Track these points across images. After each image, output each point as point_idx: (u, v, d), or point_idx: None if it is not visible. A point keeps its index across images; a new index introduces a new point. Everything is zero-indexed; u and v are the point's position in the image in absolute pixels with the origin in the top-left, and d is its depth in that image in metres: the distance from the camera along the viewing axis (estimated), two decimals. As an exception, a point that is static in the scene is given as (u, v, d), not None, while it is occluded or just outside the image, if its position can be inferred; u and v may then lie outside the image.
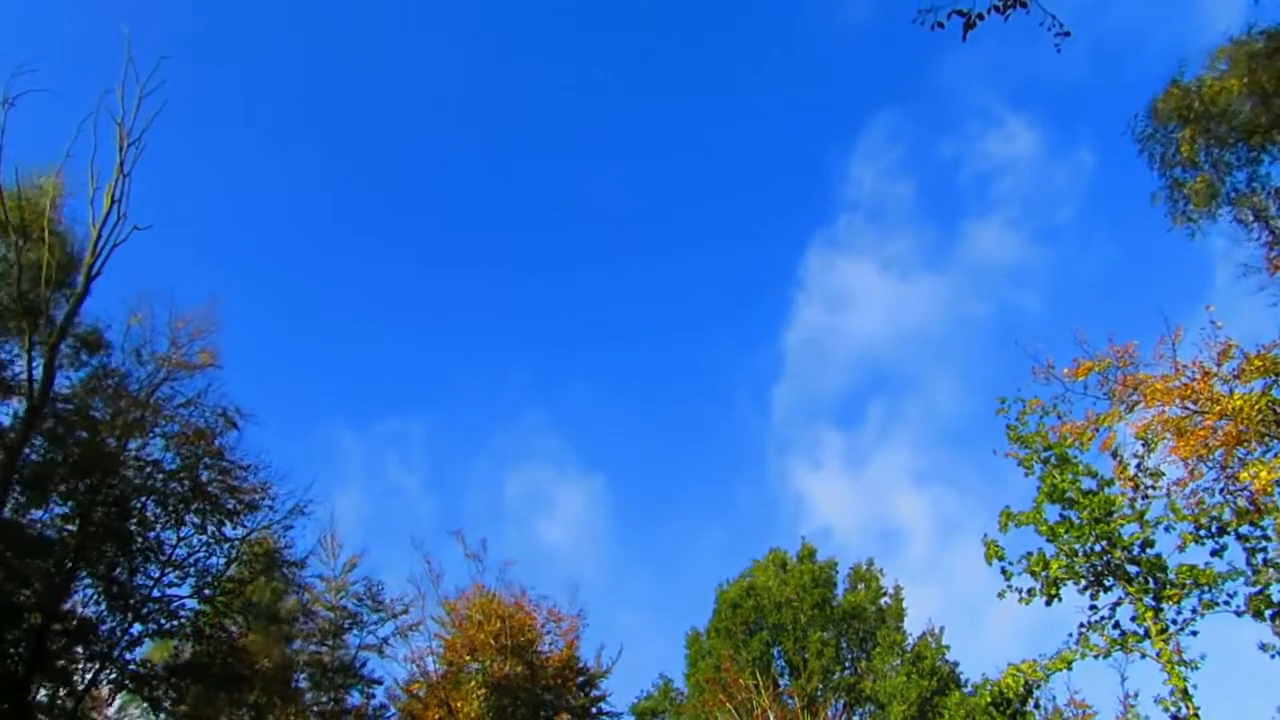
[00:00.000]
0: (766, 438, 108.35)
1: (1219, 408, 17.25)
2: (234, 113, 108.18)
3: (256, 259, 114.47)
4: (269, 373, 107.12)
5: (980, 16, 7.68)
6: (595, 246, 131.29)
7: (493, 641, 28.50)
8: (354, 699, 31.15)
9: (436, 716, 27.38)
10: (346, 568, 31.82)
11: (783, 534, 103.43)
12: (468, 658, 29.21)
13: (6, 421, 20.35)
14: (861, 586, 37.77)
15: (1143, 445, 19.49)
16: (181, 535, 22.08)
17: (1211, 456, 18.06)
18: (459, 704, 27.41)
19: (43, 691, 21.05)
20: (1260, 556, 18.50)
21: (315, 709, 29.79)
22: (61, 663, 20.43)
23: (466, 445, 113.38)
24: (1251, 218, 19.95)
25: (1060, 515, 20.48)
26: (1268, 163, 19.82)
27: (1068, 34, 7.78)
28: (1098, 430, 19.75)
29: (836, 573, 38.33)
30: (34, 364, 19.55)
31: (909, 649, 34.58)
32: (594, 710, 30.97)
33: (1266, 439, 17.35)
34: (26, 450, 19.33)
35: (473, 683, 28.31)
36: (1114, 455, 20.08)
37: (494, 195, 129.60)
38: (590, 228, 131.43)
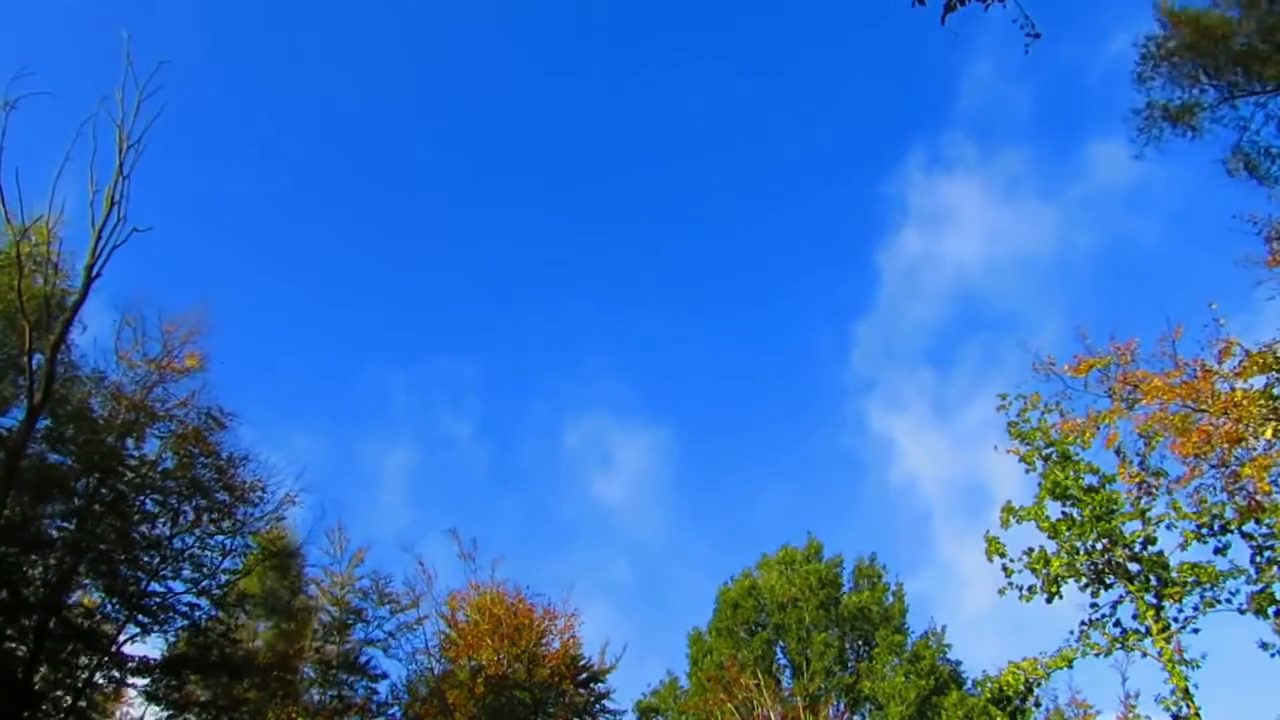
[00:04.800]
0: (848, 377, 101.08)
1: (1218, 404, 17.17)
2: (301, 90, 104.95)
3: (291, 218, 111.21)
4: (307, 309, 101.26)
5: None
6: (670, 160, 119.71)
7: (490, 640, 28.59)
8: (358, 693, 31.22)
9: (434, 713, 27.42)
10: (353, 562, 31.85)
11: (861, 488, 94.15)
12: (465, 655, 29.31)
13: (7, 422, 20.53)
14: (866, 584, 37.72)
15: (1143, 442, 19.43)
16: (177, 530, 22.43)
17: (1212, 454, 17.96)
18: (456, 701, 27.44)
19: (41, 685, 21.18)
20: (1266, 554, 18.34)
21: (318, 703, 29.75)
22: (63, 657, 20.58)
23: (523, 388, 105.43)
24: (1243, 169, 18.89)
25: (1062, 512, 20.39)
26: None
27: (1038, 35, 7.59)
28: (1099, 428, 19.67)
29: (842, 571, 38.33)
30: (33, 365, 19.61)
31: (908, 649, 34.54)
32: (595, 708, 31.02)
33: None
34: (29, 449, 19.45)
35: (469, 680, 28.35)
36: (1117, 453, 20.00)
37: (557, 113, 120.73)
38: (666, 140, 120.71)
